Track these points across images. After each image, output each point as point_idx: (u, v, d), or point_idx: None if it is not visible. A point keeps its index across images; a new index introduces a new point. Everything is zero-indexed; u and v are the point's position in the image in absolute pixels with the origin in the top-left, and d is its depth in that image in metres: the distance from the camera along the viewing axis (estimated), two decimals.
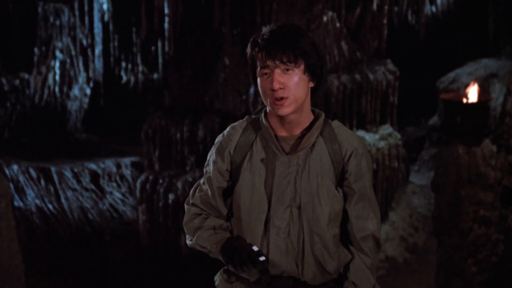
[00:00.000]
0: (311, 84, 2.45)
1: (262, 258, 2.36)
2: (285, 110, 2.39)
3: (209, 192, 2.52)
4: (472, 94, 5.49)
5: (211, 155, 2.55)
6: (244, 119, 2.56)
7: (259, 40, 2.40)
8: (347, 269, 2.50)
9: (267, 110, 2.49)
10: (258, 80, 2.43)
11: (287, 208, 2.44)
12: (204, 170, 2.57)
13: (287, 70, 2.37)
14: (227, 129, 2.55)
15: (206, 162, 2.57)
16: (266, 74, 2.39)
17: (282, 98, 2.38)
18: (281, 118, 2.44)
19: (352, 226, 2.48)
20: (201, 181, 2.56)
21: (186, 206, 2.58)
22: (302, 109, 2.45)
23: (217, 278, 2.60)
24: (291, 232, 2.45)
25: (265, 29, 2.42)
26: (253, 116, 2.56)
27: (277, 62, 2.36)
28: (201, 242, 2.50)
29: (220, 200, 2.52)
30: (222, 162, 2.51)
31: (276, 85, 2.36)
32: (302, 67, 2.39)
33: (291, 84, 2.38)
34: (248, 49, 2.44)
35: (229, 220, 2.55)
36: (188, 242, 2.57)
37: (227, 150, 2.50)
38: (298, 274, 2.47)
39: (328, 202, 2.44)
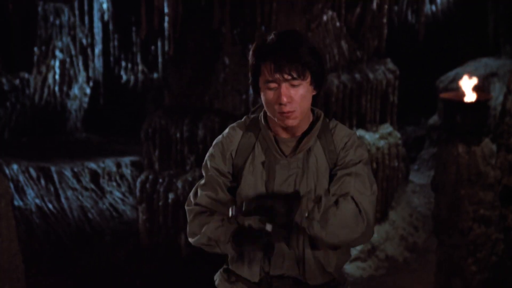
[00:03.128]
0: (314, 92, 2.45)
1: (268, 227, 2.31)
2: (292, 122, 2.39)
3: (217, 188, 2.49)
4: (470, 85, 5.49)
5: (212, 157, 2.52)
6: (243, 119, 2.55)
7: (265, 51, 2.37)
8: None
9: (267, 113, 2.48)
10: (263, 91, 2.40)
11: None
12: (204, 172, 2.54)
13: (295, 83, 2.36)
14: (227, 130, 2.53)
15: (205, 163, 2.54)
16: (271, 87, 2.37)
17: (289, 111, 2.37)
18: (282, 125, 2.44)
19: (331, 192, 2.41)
20: (202, 182, 2.54)
21: (188, 208, 2.54)
22: (304, 115, 2.45)
23: (217, 278, 2.60)
24: (292, 233, 2.45)
25: (269, 39, 2.38)
26: (252, 116, 2.55)
27: (286, 76, 2.34)
28: (210, 234, 2.44)
29: (229, 195, 2.50)
30: (224, 165, 2.50)
31: (284, 100, 2.34)
32: (309, 79, 2.39)
33: (298, 97, 2.37)
34: (252, 58, 2.41)
35: None
36: (191, 239, 2.51)
37: (229, 153, 2.49)
38: (299, 275, 2.48)
39: None
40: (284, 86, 2.35)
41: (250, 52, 2.42)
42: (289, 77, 2.34)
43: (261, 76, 2.39)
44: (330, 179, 2.46)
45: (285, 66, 2.33)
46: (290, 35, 2.38)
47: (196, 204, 2.52)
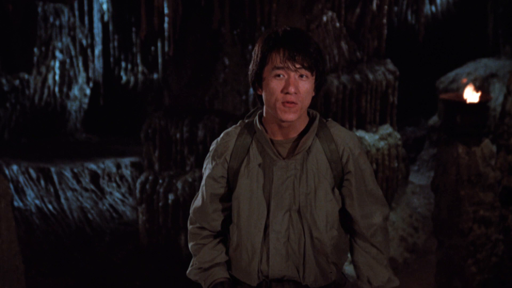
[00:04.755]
0: (313, 94, 2.46)
1: None
2: (290, 116, 2.38)
3: (205, 199, 2.51)
4: (468, 94, 5.50)
5: (207, 163, 2.53)
6: (238, 124, 2.54)
7: (278, 40, 2.37)
8: (360, 267, 2.51)
9: (264, 114, 2.47)
10: (268, 80, 2.38)
11: (286, 213, 2.43)
12: (202, 180, 2.57)
13: (302, 76, 2.36)
14: (221, 135, 2.53)
15: (203, 171, 2.55)
16: (279, 75, 2.37)
17: (292, 102, 2.37)
18: (279, 123, 2.43)
19: (359, 225, 2.47)
20: (198, 192, 2.58)
21: (188, 223, 2.61)
22: (301, 114, 2.45)
23: None
24: (291, 236, 2.44)
25: (280, 30, 2.39)
26: (246, 120, 2.54)
27: (297, 65, 2.35)
28: (193, 276, 2.56)
29: (215, 206, 2.51)
30: (220, 170, 2.49)
31: (291, 89, 2.34)
32: (315, 76, 2.40)
33: (304, 91, 2.37)
34: (261, 46, 2.39)
35: (226, 228, 2.54)
36: (190, 267, 2.60)
37: (223, 157, 2.48)
38: (299, 278, 2.47)
39: (325, 205, 2.44)
40: (293, 76, 2.35)
41: (259, 41, 2.41)
42: (300, 67, 2.34)
43: (267, 65, 2.38)
44: (335, 183, 2.46)
45: (298, 55, 2.33)
46: (302, 32, 2.41)
47: (190, 221, 2.58)
